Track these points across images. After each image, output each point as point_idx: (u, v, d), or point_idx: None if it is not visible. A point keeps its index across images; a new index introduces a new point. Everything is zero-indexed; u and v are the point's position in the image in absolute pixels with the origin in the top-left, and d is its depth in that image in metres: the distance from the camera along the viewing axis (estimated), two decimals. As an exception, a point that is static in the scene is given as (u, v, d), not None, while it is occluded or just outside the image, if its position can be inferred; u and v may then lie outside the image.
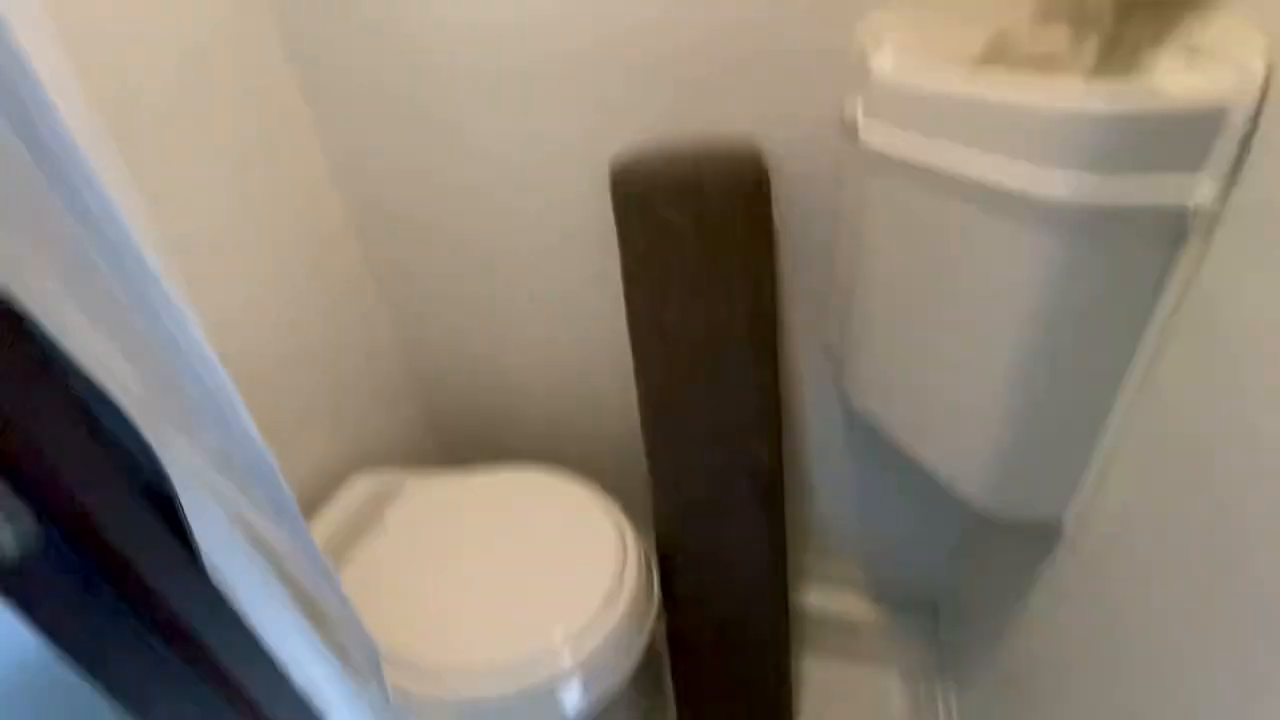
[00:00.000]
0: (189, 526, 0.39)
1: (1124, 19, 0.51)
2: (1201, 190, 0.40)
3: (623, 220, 0.72)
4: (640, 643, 0.80)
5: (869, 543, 1.09)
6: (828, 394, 0.91)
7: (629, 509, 0.90)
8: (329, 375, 0.99)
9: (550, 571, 0.81)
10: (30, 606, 0.32)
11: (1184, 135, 0.39)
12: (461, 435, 1.22)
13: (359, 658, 0.57)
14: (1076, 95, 0.41)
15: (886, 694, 1.12)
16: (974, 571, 0.94)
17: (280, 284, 0.89)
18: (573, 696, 0.74)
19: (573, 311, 0.96)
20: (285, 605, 0.46)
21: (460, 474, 0.99)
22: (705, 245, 0.71)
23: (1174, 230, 0.42)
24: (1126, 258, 0.44)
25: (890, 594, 1.15)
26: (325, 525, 0.88)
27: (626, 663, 0.78)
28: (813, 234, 0.78)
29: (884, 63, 0.56)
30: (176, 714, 0.41)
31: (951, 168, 0.51)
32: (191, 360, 0.41)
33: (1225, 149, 0.38)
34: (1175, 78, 0.43)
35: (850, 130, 0.61)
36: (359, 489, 0.95)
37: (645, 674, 1.11)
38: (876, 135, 0.57)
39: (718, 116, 0.71)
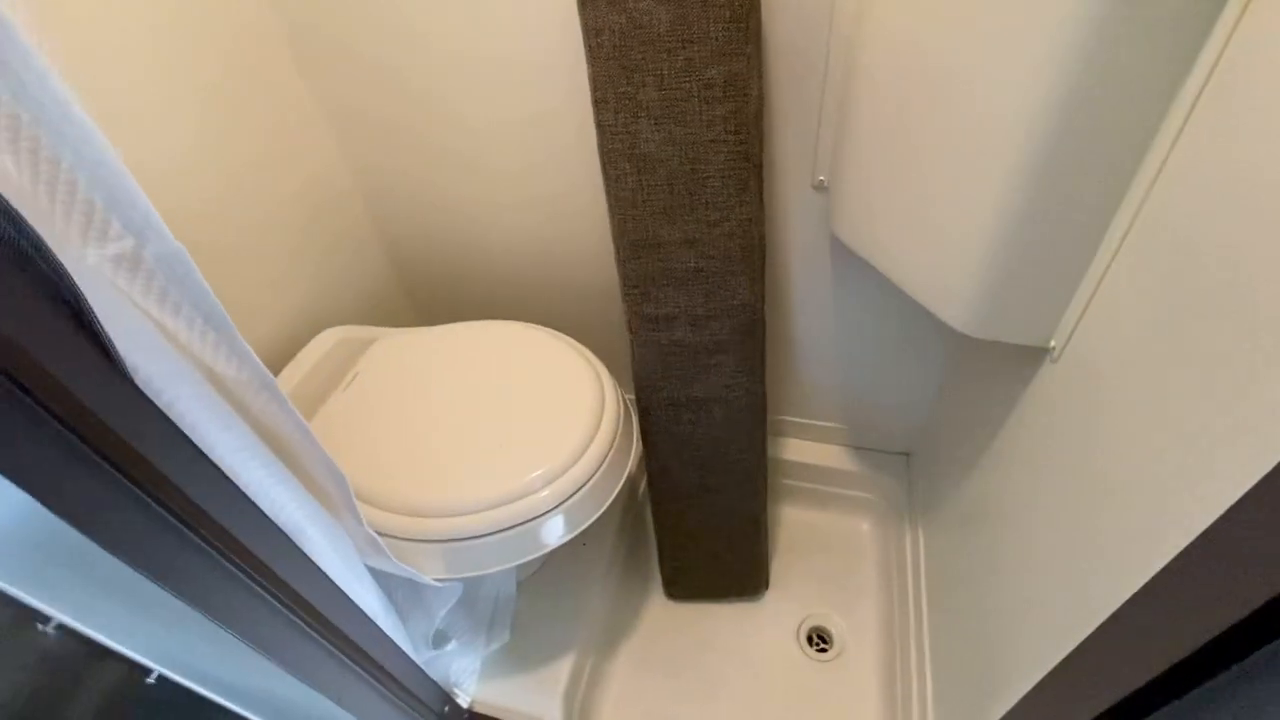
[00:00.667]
0: (101, 330, 0.35)
1: None
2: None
3: (588, 18, 0.62)
4: (619, 482, 0.81)
5: (847, 393, 1.09)
6: (813, 233, 0.87)
7: (608, 360, 0.88)
8: (291, 234, 0.92)
9: (528, 416, 0.80)
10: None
11: None
12: (435, 296, 1.18)
13: (326, 485, 0.56)
14: None
15: (857, 535, 1.18)
16: (947, 417, 0.95)
17: (236, 142, 0.82)
18: (553, 532, 0.76)
19: (540, 149, 0.88)
20: (228, 419, 0.43)
21: (432, 328, 0.96)
22: (683, 50, 0.63)
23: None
24: (1163, 18, 0.37)
25: (865, 445, 1.18)
26: (293, 374, 0.86)
27: (605, 501, 0.79)
28: (805, 38, 0.69)
29: None
30: (125, 528, 0.40)
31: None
32: (80, 148, 0.36)
33: None
34: None
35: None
36: (328, 340, 0.92)
37: (627, 516, 1.15)
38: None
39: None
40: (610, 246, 0.79)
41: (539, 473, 0.74)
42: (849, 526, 1.19)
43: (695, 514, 0.96)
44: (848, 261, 0.88)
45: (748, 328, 0.81)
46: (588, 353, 0.88)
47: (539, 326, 0.92)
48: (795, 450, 1.19)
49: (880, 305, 0.93)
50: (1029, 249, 0.50)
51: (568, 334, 0.91)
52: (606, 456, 0.77)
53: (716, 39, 0.62)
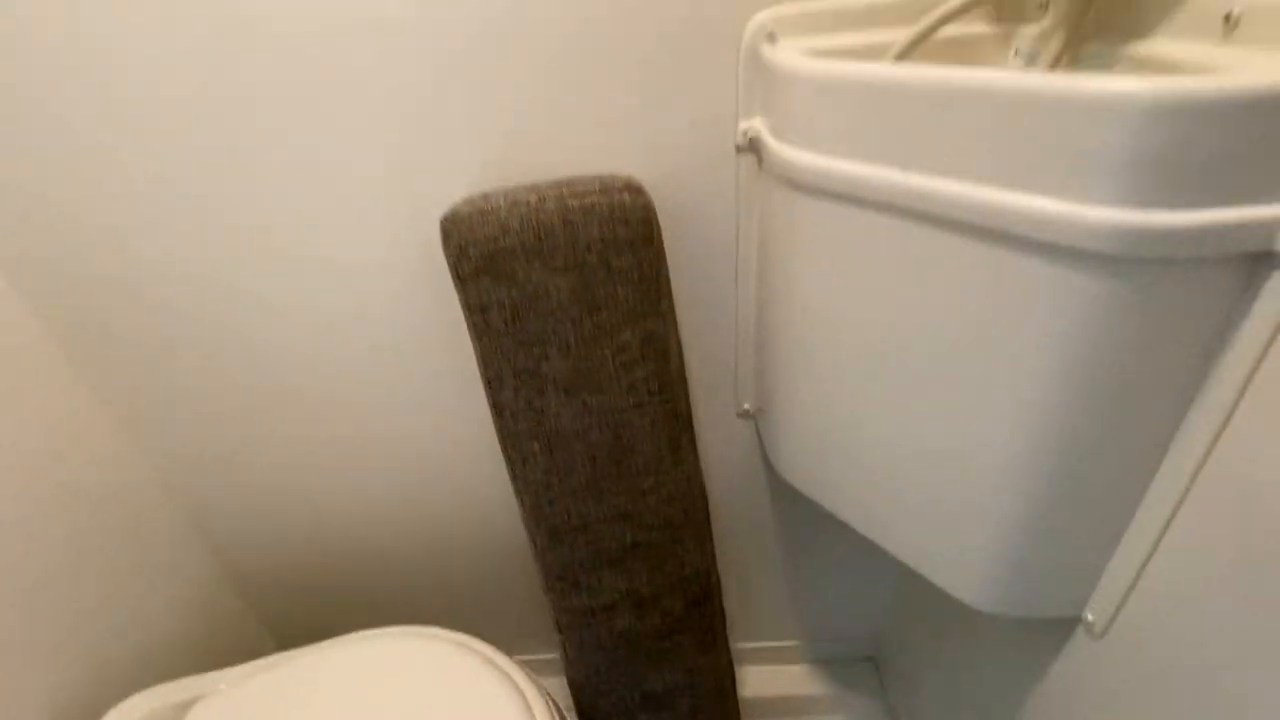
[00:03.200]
0: None
1: None
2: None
3: (470, 296, 0.52)
4: None
5: (801, 612, 0.97)
6: (742, 460, 0.77)
7: (533, 661, 0.69)
8: (48, 572, 0.67)
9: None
10: None
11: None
12: (293, 609, 0.92)
13: None
14: (1110, 86, 0.29)
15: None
16: (915, 615, 0.85)
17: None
18: None
19: (417, 411, 0.73)
20: None
21: (289, 659, 0.71)
22: (590, 316, 0.53)
23: (1250, 273, 0.32)
24: (1182, 305, 0.33)
25: (824, 656, 1.04)
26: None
27: None
28: (709, 276, 0.63)
29: (793, 62, 0.43)
30: None
31: (904, 199, 0.38)
32: None
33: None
34: (1222, 56, 0.33)
35: (758, 152, 0.47)
36: (131, 715, 0.64)
37: None
38: (795, 159, 0.43)
39: (579, 148, 0.54)
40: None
41: None
42: (835, 763, 1.01)
43: (672, 835, 0.74)
44: (783, 485, 0.79)
45: (704, 595, 0.67)
46: (505, 661, 0.68)
47: (438, 633, 0.71)
48: (752, 682, 1.01)
49: (826, 522, 0.84)
50: (1053, 526, 0.42)
51: (476, 634, 0.71)
52: (557, 831, 0.56)
53: (627, 301, 0.54)
